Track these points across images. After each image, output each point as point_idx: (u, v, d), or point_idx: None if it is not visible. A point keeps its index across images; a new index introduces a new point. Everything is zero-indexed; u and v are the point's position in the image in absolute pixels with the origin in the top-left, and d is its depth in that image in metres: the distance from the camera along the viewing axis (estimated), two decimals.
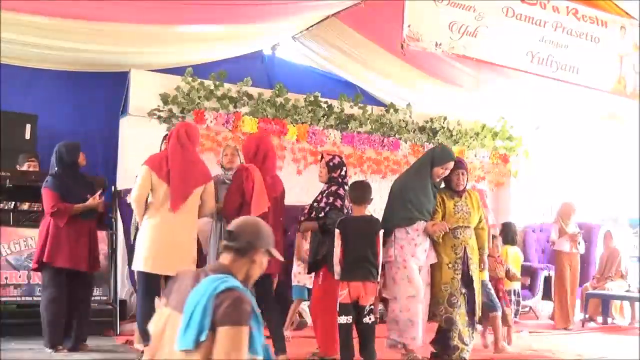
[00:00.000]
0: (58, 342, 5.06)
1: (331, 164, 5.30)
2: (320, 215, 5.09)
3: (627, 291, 8.17)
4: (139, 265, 4.72)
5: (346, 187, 5.26)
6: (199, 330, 2.30)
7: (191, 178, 4.78)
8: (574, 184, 9.62)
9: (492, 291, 5.88)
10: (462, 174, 5.20)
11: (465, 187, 5.26)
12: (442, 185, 5.37)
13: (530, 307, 8.48)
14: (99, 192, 5.32)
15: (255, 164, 4.96)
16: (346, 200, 5.20)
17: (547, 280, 8.44)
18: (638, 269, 7.98)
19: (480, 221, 5.32)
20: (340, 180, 5.26)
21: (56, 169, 5.27)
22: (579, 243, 7.85)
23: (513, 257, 7.14)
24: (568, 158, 9.68)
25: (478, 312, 5.24)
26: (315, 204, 5.20)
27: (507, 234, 7.23)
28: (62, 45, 6.44)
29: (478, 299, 5.22)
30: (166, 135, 5.52)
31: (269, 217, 4.81)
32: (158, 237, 4.66)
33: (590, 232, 8.71)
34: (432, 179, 5.18)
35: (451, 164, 5.18)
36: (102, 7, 5.82)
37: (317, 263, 5.10)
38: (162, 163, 4.75)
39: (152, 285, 4.71)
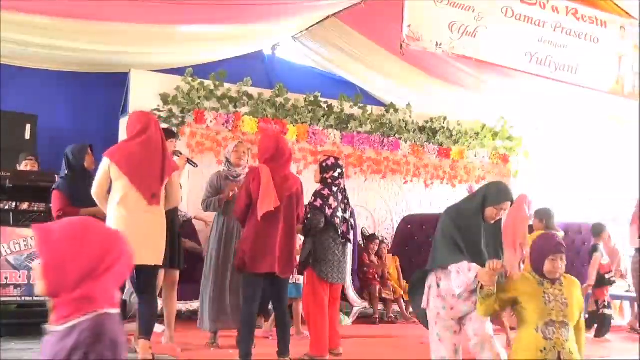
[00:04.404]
0: None
1: (324, 164, 5.38)
2: (308, 217, 5.23)
3: (627, 291, 8.17)
4: None
5: (334, 189, 5.29)
6: None
7: (160, 169, 4.62)
8: (573, 184, 9.62)
9: None
10: (562, 259, 3.73)
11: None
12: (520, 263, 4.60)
13: None
14: None
15: (271, 162, 4.89)
16: (332, 200, 5.22)
17: None
18: (638, 268, 7.96)
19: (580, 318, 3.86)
20: (330, 181, 5.31)
21: (66, 172, 5.25)
22: None
23: None
24: (568, 158, 9.68)
25: None
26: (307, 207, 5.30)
27: (548, 219, 6.75)
28: (62, 45, 6.45)
29: None
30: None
31: (280, 216, 4.81)
32: (128, 229, 4.37)
33: (590, 232, 8.69)
34: (485, 221, 4.06)
35: (507, 205, 4.08)
36: (102, 7, 5.82)
37: (303, 265, 5.27)
38: (125, 153, 4.55)
39: None
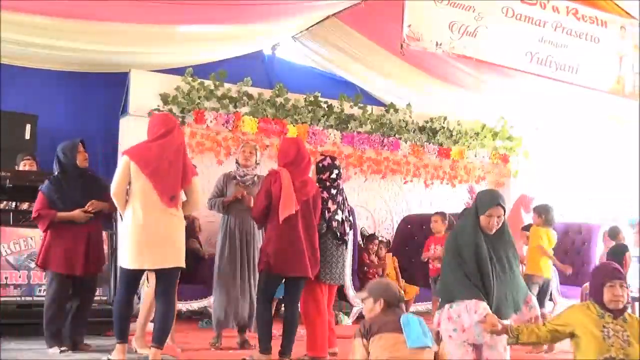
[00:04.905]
0: (56, 342, 5.05)
1: (320, 165, 5.32)
2: None
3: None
4: (125, 262, 4.47)
5: (333, 191, 5.25)
6: None
7: (180, 173, 4.55)
8: (573, 184, 9.62)
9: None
10: (622, 286, 3.46)
11: (626, 305, 3.52)
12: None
13: None
14: (90, 203, 5.05)
15: (290, 166, 4.90)
16: (330, 203, 5.19)
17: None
18: (638, 269, 7.96)
19: None
20: (328, 184, 5.26)
21: (56, 172, 5.20)
22: None
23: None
24: (568, 158, 9.68)
25: None
26: None
27: (547, 214, 6.67)
28: (62, 45, 6.45)
29: None
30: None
31: (298, 220, 4.81)
32: (146, 231, 4.43)
33: (590, 232, 8.69)
34: (484, 233, 3.86)
35: (498, 210, 3.84)
36: (102, 7, 5.82)
37: None
38: (145, 154, 4.52)
39: (134, 283, 4.62)
